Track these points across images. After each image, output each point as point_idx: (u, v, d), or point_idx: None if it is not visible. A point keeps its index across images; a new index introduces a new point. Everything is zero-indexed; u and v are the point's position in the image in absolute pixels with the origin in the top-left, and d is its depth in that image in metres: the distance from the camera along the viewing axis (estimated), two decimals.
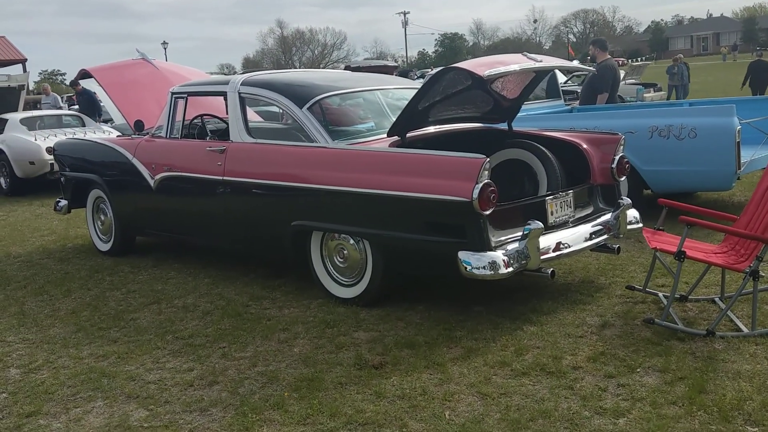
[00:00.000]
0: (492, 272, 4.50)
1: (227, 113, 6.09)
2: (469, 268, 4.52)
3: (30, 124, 13.26)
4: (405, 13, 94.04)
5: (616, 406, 3.56)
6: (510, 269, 4.55)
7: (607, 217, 5.41)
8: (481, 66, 4.78)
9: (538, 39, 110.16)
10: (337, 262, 5.40)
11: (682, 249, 4.34)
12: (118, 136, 9.06)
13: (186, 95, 6.54)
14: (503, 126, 6.12)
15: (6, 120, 13.30)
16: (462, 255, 4.54)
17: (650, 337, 4.35)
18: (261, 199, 5.69)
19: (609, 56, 9.90)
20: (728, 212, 5.17)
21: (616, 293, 5.23)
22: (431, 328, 4.73)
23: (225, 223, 6.04)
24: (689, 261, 4.47)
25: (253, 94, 6.00)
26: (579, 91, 12.98)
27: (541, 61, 5.17)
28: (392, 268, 5.09)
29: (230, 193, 5.85)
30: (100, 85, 8.03)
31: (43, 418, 3.85)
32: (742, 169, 6.90)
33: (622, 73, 15.13)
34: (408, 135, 5.34)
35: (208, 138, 6.47)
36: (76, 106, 17.21)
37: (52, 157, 10.35)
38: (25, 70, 33.61)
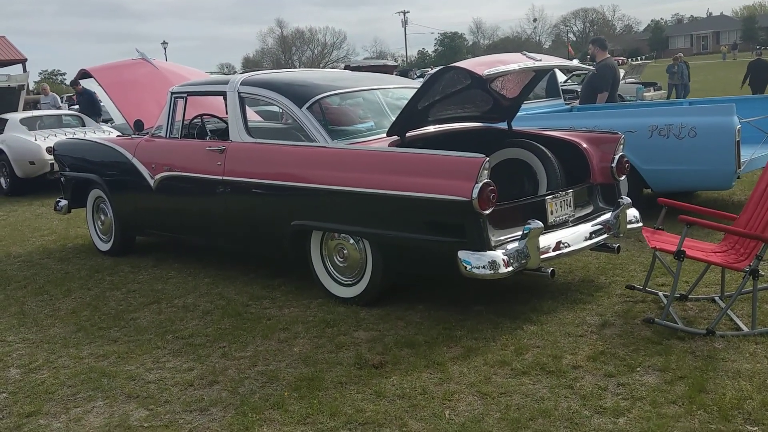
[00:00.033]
0: (492, 272, 4.50)
1: (227, 113, 6.09)
2: (468, 267, 4.52)
3: (30, 124, 13.27)
4: (405, 13, 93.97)
5: (616, 405, 3.56)
6: (510, 269, 4.55)
7: (607, 216, 5.41)
8: (481, 65, 4.78)
9: (537, 38, 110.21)
10: (337, 262, 5.40)
11: (682, 248, 4.34)
12: (118, 136, 9.06)
13: (186, 95, 6.54)
14: (503, 125, 6.12)
15: (6, 120, 13.31)
16: (462, 254, 4.54)
17: (650, 336, 4.35)
18: (261, 199, 5.69)
19: (608, 55, 9.90)
20: (728, 211, 5.17)
21: (616, 292, 5.23)
22: (431, 328, 4.73)
23: (225, 223, 6.04)
24: (689, 260, 4.47)
25: (252, 93, 6.00)
26: (579, 90, 12.98)
27: (540, 61, 5.17)
28: (392, 267, 5.09)
29: (230, 193, 5.85)
30: (100, 85, 8.03)
31: (43, 418, 3.85)
32: (741, 168, 6.90)
33: (621, 72, 15.12)
34: (407, 134, 5.34)
35: (207, 138, 6.47)
36: (76, 106, 17.22)
37: (52, 157, 10.36)
38: (25, 70, 33.63)
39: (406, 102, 5.20)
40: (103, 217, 7.47)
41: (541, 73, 5.93)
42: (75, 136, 10.74)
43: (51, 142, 11.03)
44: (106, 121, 15.37)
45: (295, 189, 5.38)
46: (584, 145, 5.63)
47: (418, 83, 6.36)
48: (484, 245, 4.54)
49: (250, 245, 6.17)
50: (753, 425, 3.31)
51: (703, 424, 3.34)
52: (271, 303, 5.50)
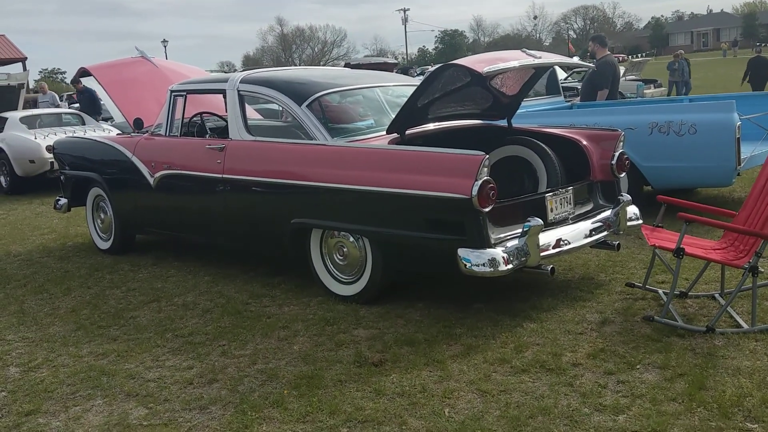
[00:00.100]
0: (491, 269, 4.50)
1: (226, 111, 6.08)
2: (468, 265, 4.52)
3: (30, 122, 13.28)
4: (405, 10, 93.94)
5: (616, 402, 3.56)
6: (509, 266, 4.54)
7: (607, 213, 5.40)
8: (480, 63, 4.77)
9: (538, 35, 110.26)
10: (337, 260, 5.39)
11: (681, 246, 4.34)
12: (117, 135, 9.06)
13: (185, 93, 6.53)
14: (503, 123, 6.11)
15: (6, 118, 13.31)
16: (461, 252, 4.53)
17: (650, 333, 4.35)
18: (260, 197, 5.69)
19: (608, 52, 9.88)
20: (728, 208, 5.16)
21: (616, 290, 5.22)
22: (431, 326, 4.73)
23: (224, 221, 6.04)
24: (689, 257, 4.46)
25: (252, 91, 6.00)
26: (579, 87, 12.96)
27: (540, 58, 5.17)
28: (392, 265, 5.09)
29: (230, 191, 5.85)
30: (100, 84, 8.03)
31: (42, 417, 3.85)
32: (742, 165, 6.89)
33: (621, 70, 15.10)
34: (407, 132, 5.34)
35: (207, 136, 6.46)
36: (77, 105, 17.21)
37: (51, 155, 10.35)
38: (25, 69, 33.62)
39: (405, 100, 5.19)
40: (102, 216, 7.47)
41: (541, 70, 5.93)
42: (75, 135, 10.74)
43: (51, 140, 11.02)
44: (106, 120, 15.37)
45: (294, 187, 5.37)
46: (584, 143, 5.62)
47: (417, 81, 6.36)
48: (484, 243, 4.53)
49: (249, 243, 6.16)
50: (753, 422, 3.31)
51: (703, 422, 3.33)
52: (270, 301, 5.49)
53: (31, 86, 25.80)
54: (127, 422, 3.71)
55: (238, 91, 5.97)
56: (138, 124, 7.09)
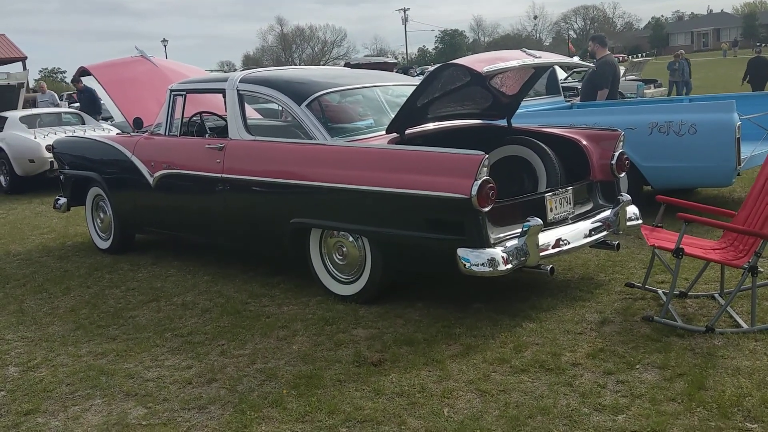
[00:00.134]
0: (491, 269, 4.49)
1: (226, 111, 6.08)
2: (468, 265, 4.51)
3: (30, 122, 13.27)
4: (405, 10, 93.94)
5: (615, 402, 3.55)
6: (509, 266, 4.54)
7: (607, 213, 5.40)
8: (480, 62, 4.77)
9: (538, 35, 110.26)
10: (336, 260, 5.39)
11: (681, 246, 4.33)
12: (117, 134, 9.05)
13: (185, 92, 6.53)
14: (502, 122, 6.11)
15: (6, 118, 13.30)
16: (461, 252, 4.53)
17: (649, 333, 4.34)
18: (260, 197, 5.68)
19: (608, 52, 9.88)
20: (728, 208, 5.16)
21: (615, 290, 5.22)
22: (430, 326, 4.73)
23: (224, 221, 6.04)
24: (688, 257, 4.46)
25: (251, 91, 5.99)
26: (579, 87, 12.96)
27: (539, 57, 5.16)
28: (391, 265, 5.08)
29: (229, 191, 5.84)
30: (99, 83, 8.02)
31: (41, 416, 3.84)
32: (742, 165, 6.89)
33: (621, 69, 15.10)
34: (407, 132, 5.34)
35: (207, 135, 6.46)
36: (77, 104, 17.20)
37: (51, 154, 10.35)
38: (24, 68, 33.62)
39: (405, 99, 5.19)
40: (102, 215, 7.47)
41: (540, 70, 5.93)
42: (74, 134, 10.73)
43: (50, 140, 11.02)
44: (105, 119, 15.36)
45: (294, 186, 5.37)
46: (584, 142, 5.62)
47: (417, 81, 6.35)
48: (484, 243, 4.53)
49: (249, 243, 6.16)
50: (752, 422, 3.30)
51: (703, 422, 3.33)
52: (270, 301, 5.49)
53: (31, 85, 25.78)
54: (126, 422, 3.71)
55: (238, 90, 5.96)
56: (137, 124, 7.09)
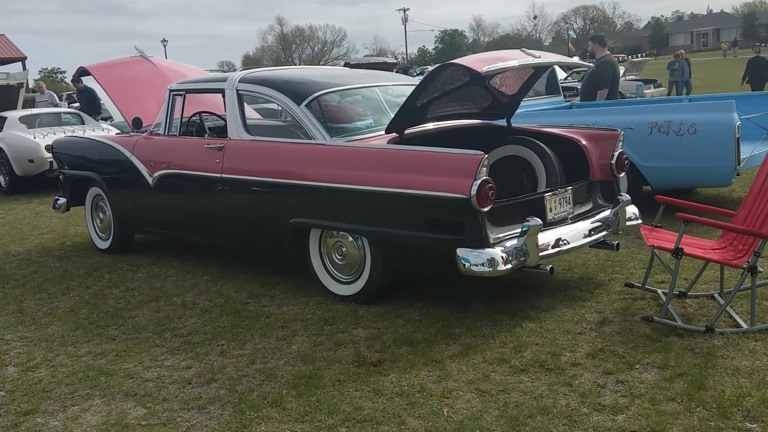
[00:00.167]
0: (490, 269, 4.49)
1: (225, 110, 6.07)
2: (467, 265, 4.51)
3: (29, 122, 13.26)
4: (405, 10, 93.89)
5: (615, 402, 3.55)
6: (508, 266, 4.54)
7: (606, 213, 5.40)
8: (480, 62, 4.77)
9: (538, 35, 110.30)
10: (336, 260, 5.39)
11: (680, 246, 4.33)
12: (117, 134, 9.05)
13: (184, 92, 6.52)
14: (502, 122, 6.11)
15: (5, 118, 13.29)
16: (460, 252, 4.53)
17: (649, 333, 4.34)
18: (259, 197, 5.68)
19: (608, 52, 9.88)
20: (728, 208, 5.16)
21: (615, 290, 5.22)
22: (430, 326, 4.72)
23: (223, 221, 6.03)
24: (688, 257, 4.46)
25: (251, 91, 5.99)
26: (579, 87, 12.96)
27: (539, 57, 5.16)
28: (391, 265, 5.08)
29: (228, 191, 5.84)
30: (99, 83, 8.02)
31: (40, 417, 3.84)
32: (741, 164, 6.89)
33: (621, 69, 15.10)
34: (406, 132, 5.33)
35: (206, 135, 6.46)
36: (77, 104, 17.19)
37: (51, 155, 10.34)
38: (24, 68, 33.61)
39: (405, 99, 5.19)
40: (101, 215, 7.47)
41: (540, 69, 5.93)
42: (74, 134, 10.73)
43: (50, 140, 11.01)
44: (105, 119, 15.36)
45: (293, 187, 5.36)
46: (583, 142, 5.62)
47: (417, 80, 6.35)
48: (483, 243, 4.52)
49: (248, 243, 6.16)
50: (752, 422, 3.30)
51: (702, 422, 3.33)
52: (269, 301, 5.49)
53: (30, 86, 25.78)
54: (125, 422, 3.71)
55: (237, 90, 5.96)
56: (137, 124, 7.08)
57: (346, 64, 20.49)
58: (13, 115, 13.42)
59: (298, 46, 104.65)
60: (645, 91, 21.42)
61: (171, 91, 6.59)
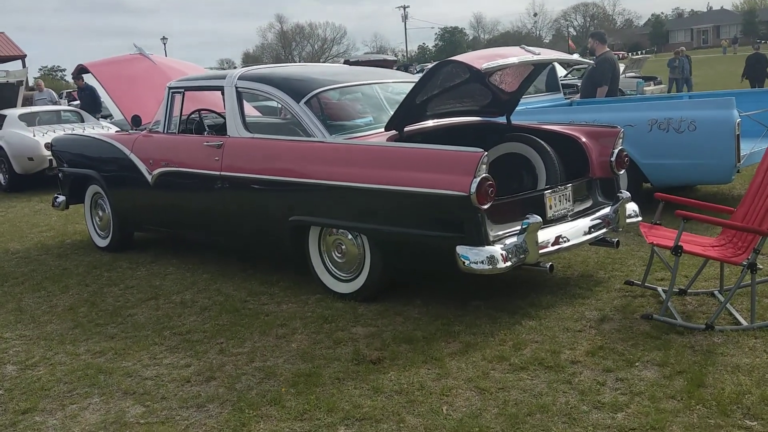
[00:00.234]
0: (490, 267, 4.48)
1: (224, 108, 6.06)
2: (467, 262, 4.50)
3: (29, 120, 13.25)
4: (405, 8, 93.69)
5: (615, 400, 3.54)
6: (508, 263, 4.53)
7: (606, 210, 5.39)
8: (479, 59, 4.76)
9: (538, 32, 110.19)
10: (335, 258, 5.38)
11: (679, 244, 4.32)
12: (116, 132, 9.04)
13: (183, 90, 6.51)
14: (502, 120, 6.10)
15: (5, 116, 13.28)
16: (460, 249, 4.52)
17: (649, 331, 4.33)
18: (258, 195, 5.67)
19: (608, 49, 9.87)
20: (728, 205, 5.15)
21: (615, 287, 5.21)
22: (429, 323, 4.72)
23: (223, 219, 6.02)
24: (688, 254, 4.45)
25: (250, 88, 5.97)
26: (579, 84, 12.94)
27: (539, 54, 5.15)
28: (390, 263, 5.07)
29: (228, 189, 5.83)
30: (98, 81, 8.00)
31: (38, 415, 3.83)
32: (741, 161, 6.88)
33: (621, 67, 15.08)
34: (406, 129, 5.32)
35: (205, 133, 6.44)
36: (76, 102, 17.18)
37: (50, 152, 10.33)
38: (24, 66, 33.59)
39: (404, 96, 5.17)
40: (101, 213, 7.46)
41: (540, 67, 5.90)
42: (73, 132, 10.71)
43: (49, 138, 10.99)
44: (105, 117, 15.35)
45: (292, 184, 5.35)
46: (583, 139, 5.61)
47: (416, 78, 6.33)
48: (483, 240, 4.51)
49: (248, 241, 6.14)
50: (752, 420, 3.29)
51: (702, 419, 3.32)
52: (269, 299, 5.48)
53: (30, 83, 25.79)
54: (123, 420, 3.70)
55: (236, 87, 5.95)
56: (136, 121, 7.07)
57: (346, 62, 20.49)
58: (12, 113, 13.41)
59: (298, 43, 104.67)
60: (645, 88, 21.39)
61: (170, 88, 6.57)
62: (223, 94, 6.05)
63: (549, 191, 5.14)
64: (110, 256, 7.15)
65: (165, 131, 6.59)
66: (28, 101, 16.80)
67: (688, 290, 4.98)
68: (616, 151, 5.53)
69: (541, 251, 4.70)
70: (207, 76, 7.19)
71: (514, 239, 4.62)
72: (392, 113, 5.34)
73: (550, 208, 5.08)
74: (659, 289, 5.00)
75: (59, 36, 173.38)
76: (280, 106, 6.13)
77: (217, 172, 5.85)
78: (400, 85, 6.25)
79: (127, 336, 4.89)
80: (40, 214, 10.15)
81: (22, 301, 5.87)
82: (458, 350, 4.26)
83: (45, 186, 12.12)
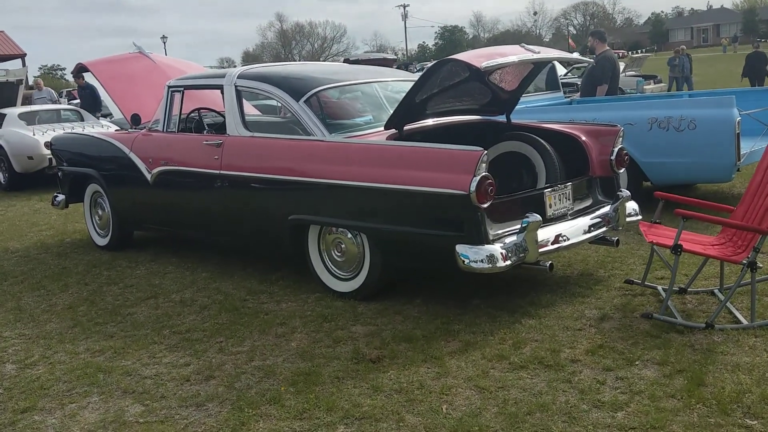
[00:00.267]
0: (490, 265, 4.47)
1: (224, 107, 6.05)
2: (466, 261, 4.49)
3: (28, 118, 13.24)
4: (405, 6, 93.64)
5: (615, 399, 3.54)
6: (508, 262, 4.52)
7: (606, 209, 5.38)
8: (479, 57, 4.75)
9: (538, 31, 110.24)
10: (335, 256, 5.37)
11: (679, 242, 4.31)
12: (116, 131, 9.03)
13: (183, 89, 6.50)
14: (501, 118, 6.09)
15: (4, 115, 13.27)
16: (460, 248, 4.51)
17: (649, 329, 4.33)
18: (258, 193, 5.66)
19: (608, 48, 9.86)
20: (728, 204, 5.14)
21: (615, 286, 5.21)
22: (429, 322, 4.71)
23: (222, 218, 6.01)
24: (688, 253, 4.44)
25: (249, 87, 5.96)
26: (579, 83, 12.94)
27: (538, 53, 5.14)
28: (390, 261, 5.06)
29: (227, 187, 5.82)
30: (97, 79, 7.99)
31: (37, 414, 3.83)
32: (741, 160, 6.87)
33: (621, 65, 15.07)
34: (405, 128, 5.31)
35: (205, 132, 6.43)
36: (76, 101, 17.17)
37: (50, 151, 10.32)
38: (24, 65, 33.57)
39: (404, 95, 5.17)
40: (100, 212, 7.45)
41: (540, 65, 5.89)
42: (72, 131, 10.70)
43: (49, 136, 10.98)
44: (105, 116, 15.34)
45: (292, 183, 5.35)
46: (583, 138, 5.60)
47: (416, 76, 6.32)
48: (482, 239, 4.51)
49: (247, 240, 6.14)
50: (752, 419, 3.29)
51: (702, 418, 3.31)
52: (268, 298, 5.47)
53: (30, 82, 25.78)
54: (123, 419, 3.69)
55: (236, 86, 5.94)
56: (135, 120, 7.06)
57: (346, 60, 20.47)
58: (12, 112, 13.40)
59: (297, 42, 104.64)
60: (645, 86, 21.38)
61: (169, 87, 6.57)
62: (222, 92, 6.04)
63: (549, 190, 5.13)
64: (110, 255, 7.14)
65: (164, 130, 6.59)
66: (27, 100, 16.82)
67: (688, 289, 4.97)
68: (616, 149, 5.52)
69: (540, 250, 4.69)
70: (206, 75, 7.18)
71: (513, 238, 4.61)
72: (392, 112, 5.34)
73: (550, 206, 5.07)
74: (659, 287, 5.00)
75: (59, 35, 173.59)
76: (279, 104, 6.12)
77: (217, 171, 5.85)
78: (399, 83, 6.23)
79: (126, 335, 4.89)
80: (39, 213, 10.15)
81: (21, 300, 5.87)
82: (458, 349, 4.25)
83: (44, 185, 12.12)
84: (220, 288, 5.79)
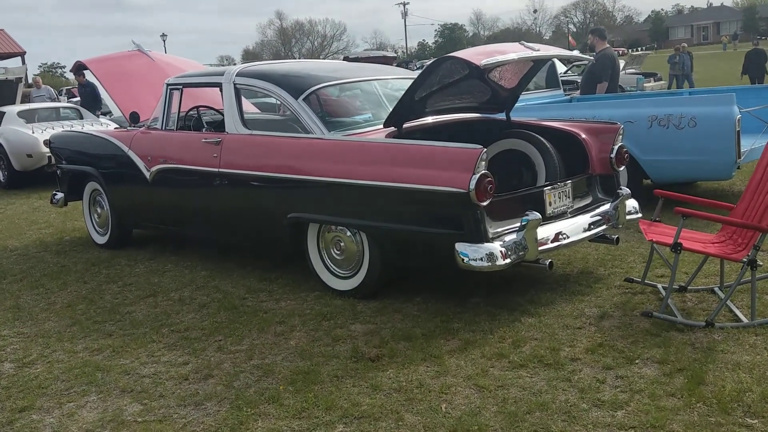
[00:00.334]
0: (489, 264, 4.46)
1: (223, 105, 6.04)
2: (466, 259, 4.48)
3: (28, 116, 13.22)
4: (404, 4, 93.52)
5: (615, 398, 3.53)
6: (507, 260, 4.51)
7: (606, 207, 5.37)
8: (479, 55, 4.73)
9: (538, 29, 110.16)
10: (334, 255, 5.36)
11: (679, 241, 4.30)
12: (115, 129, 9.02)
13: (181, 87, 6.48)
14: (501, 116, 6.07)
15: (3, 113, 13.26)
16: (459, 246, 4.50)
17: (649, 328, 4.32)
18: (257, 191, 5.64)
19: (608, 45, 9.84)
20: (729, 201, 5.13)
21: (614, 284, 5.19)
22: (428, 321, 4.70)
23: (221, 216, 6.00)
24: (688, 251, 4.43)
25: (248, 85, 5.94)
26: (578, 80, 12.93)
27: (538, 50, 5.12)
28: (389, 260, 5.05)
29: (226, 185, 5.81)
30: (96, 77, 7.98)
31: (36, 413, 3.82)
32: (742, 158, 6.85)
33: (621, 63, 15.05)
34: (405, 125, 5.30)
35: (203, 130, 6.42)
36: (76, 99, 17.15)
37: (49, 149, 10.30)
38: (23, 63, 33.55)
39: (403, 93, 5.15)
40: (99, 210, 7.44)
41: (539, 63, 5.87)
42: (71, 129, 10.69)
43: (48, 134, 10.96)
44: (104, 114, 15.32)
45: (291, 181, 5.33)
46: (583, 136, 5.58)
47: (415, 74, 6.30)
48: (482, 237, 4.49)
49: (246, 238, 6.12)
50: (753, 418, 3.28)
51: (703, 417, 3.30)
52: (267, 296, 5.46)
53: (29, 81, 25.75)
54: (121, 418, 3.68)
55: (235, 84, 5.92)
56: (134, 118, 7.05)
57: (345, 58, 20.46)
58: (11, 109, 13.39)
59: (297, 40, 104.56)
60: (645, 84, 21.37)
61: (168, 85, 6.55)
62: (221, 90, 6.02)
63: (548, 188, 5.12)
64: (109, 253, 7.13)
65: (163, 128, 6.57)
66: (26, 98, 16.81)
67: (688, 287, 4.96)
68: (615, 147, 5.50)
69: (540, 248, 4.68)
70: (205, 73, 7.15)
71: (513, 236, 4.60)
72: (391, 110, 5.32)
73: (550, 204, 5.06)
74: (659, 286, 4.98)
75: (59, 33, 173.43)
76: (278, 102, 6.10)
77: (216, 169, 5.83)
78: (399, 81, 6.22)
79: (125, 333, 4.88)
80: (38, 211, 10.13)
81: (20, 299, 5.86)
82: (457, 348, 4.24)
83: (43, 183, 12.11)
84: (219, 286, 5.78)
